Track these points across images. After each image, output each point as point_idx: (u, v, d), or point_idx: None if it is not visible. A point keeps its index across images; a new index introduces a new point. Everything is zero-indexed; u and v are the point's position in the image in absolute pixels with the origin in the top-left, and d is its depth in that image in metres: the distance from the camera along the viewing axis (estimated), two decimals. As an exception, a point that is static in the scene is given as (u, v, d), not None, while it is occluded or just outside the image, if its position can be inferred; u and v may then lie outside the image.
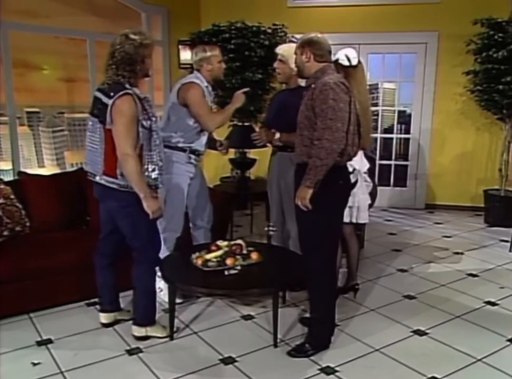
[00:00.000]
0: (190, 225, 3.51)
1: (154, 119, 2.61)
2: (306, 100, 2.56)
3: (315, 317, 2.74)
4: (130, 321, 2.95)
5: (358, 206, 3.26)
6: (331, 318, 2.75)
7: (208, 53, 3.19)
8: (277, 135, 3.22)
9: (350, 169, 3.06)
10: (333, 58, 3.09)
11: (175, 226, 3.29)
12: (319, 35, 2.63)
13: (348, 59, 3.04)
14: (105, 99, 2.50)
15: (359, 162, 3.14)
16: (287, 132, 3.10)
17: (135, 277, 2.77)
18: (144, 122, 2.55)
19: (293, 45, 3.33)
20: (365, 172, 3.28)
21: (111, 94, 2.48)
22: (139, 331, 2.82)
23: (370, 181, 3.36)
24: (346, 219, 3.28)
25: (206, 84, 3.22)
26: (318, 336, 2.72)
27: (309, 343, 2.69)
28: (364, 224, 3.36)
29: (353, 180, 3.11)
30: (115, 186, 2.58)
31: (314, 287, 2.70)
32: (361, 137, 2.85)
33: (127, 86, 2.53)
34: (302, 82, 3.15)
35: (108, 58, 2.55)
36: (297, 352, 2.68)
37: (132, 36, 2.52)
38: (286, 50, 3.23)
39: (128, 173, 2.50)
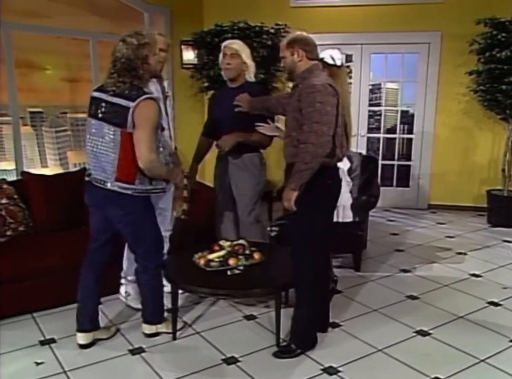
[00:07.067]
0: None
1: (164, 117, 2.59)
2: (293, 101, 2.52)
3: (297, 315, 2.70)
4: (131, 322, 2.97)
5: (344, 205, 3.25)
6: (315, 318, 2.71)
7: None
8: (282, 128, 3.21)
9: None
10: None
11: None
12: (304, 33, 2.59)
13: (333, 59, 3.03)
14: (123, 102, 2.37)
15: (343, 162, 3.12)
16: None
17: (142, 282, 2.76)
18: (163, 122, 2.51)
19: (239, 41, 3.29)
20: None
21: (132, 97, 2.37)
22: (150, 329, 2.84)
23: (350, 181, 3.35)
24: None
25: None
26: (302, 336, 2.69)
27: (295, 344, 2.67)
28: (366, 224, 3.35)
29: None
30: (129, 192, 2.47)
31: (299, 285, 2.67)
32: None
33: (146, 89, 2.46)
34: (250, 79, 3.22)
35: (110, 65, 2.45)
36: (282, 353, 2.67)
37: (129, 39, 2.41)
38: (238, 43, 3.21)
39: (159, 176, 2.53)
